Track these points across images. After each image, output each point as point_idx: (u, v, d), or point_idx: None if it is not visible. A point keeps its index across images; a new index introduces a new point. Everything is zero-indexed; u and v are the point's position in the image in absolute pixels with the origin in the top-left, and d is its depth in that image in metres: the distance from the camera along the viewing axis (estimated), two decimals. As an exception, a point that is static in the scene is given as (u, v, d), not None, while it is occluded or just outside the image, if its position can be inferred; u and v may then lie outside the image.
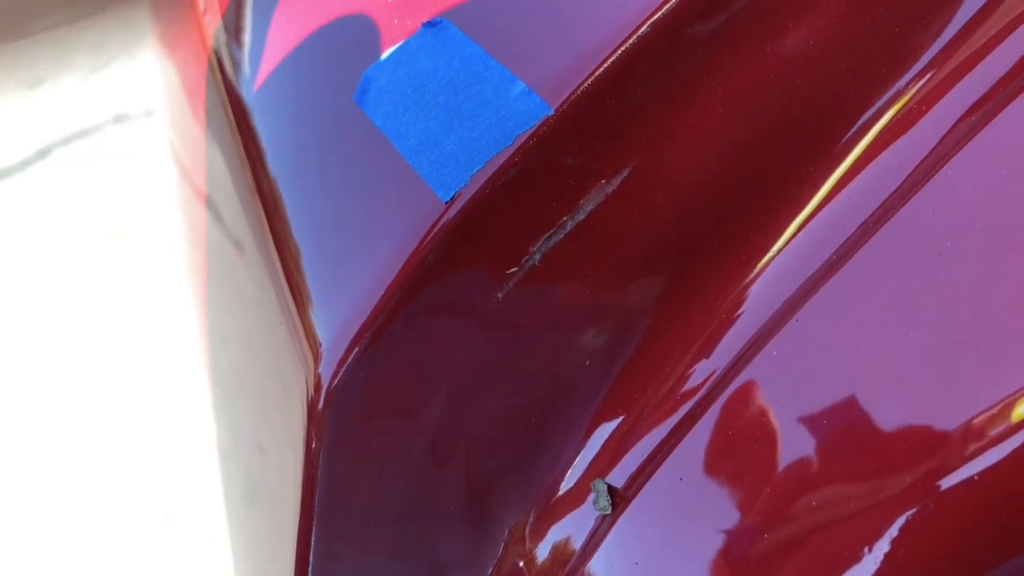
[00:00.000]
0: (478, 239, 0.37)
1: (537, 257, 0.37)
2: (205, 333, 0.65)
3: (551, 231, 0.37)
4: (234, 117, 0.49)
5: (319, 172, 0.43)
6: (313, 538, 0.40)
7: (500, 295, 0.38)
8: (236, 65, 0.51)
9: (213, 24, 0.55)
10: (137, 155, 1.92)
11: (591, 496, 0.39)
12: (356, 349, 0.37)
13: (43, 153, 1.96)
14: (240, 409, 0.60)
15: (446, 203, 0.36)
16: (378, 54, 0.41)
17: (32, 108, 2.01)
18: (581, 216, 0.37)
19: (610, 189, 0.37)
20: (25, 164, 1.95)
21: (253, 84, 0.48)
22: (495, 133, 0.36)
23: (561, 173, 0.37)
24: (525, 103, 0.36)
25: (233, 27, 0.52)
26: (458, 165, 0.36)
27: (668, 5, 0.35)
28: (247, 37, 0.51)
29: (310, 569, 0.41)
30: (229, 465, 0.66)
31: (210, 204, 0.57)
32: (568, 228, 0.37)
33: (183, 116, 0.63)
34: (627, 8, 0.36)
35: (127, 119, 1.98)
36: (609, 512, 0.39)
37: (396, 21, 0.41)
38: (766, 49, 0.37)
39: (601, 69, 0.36)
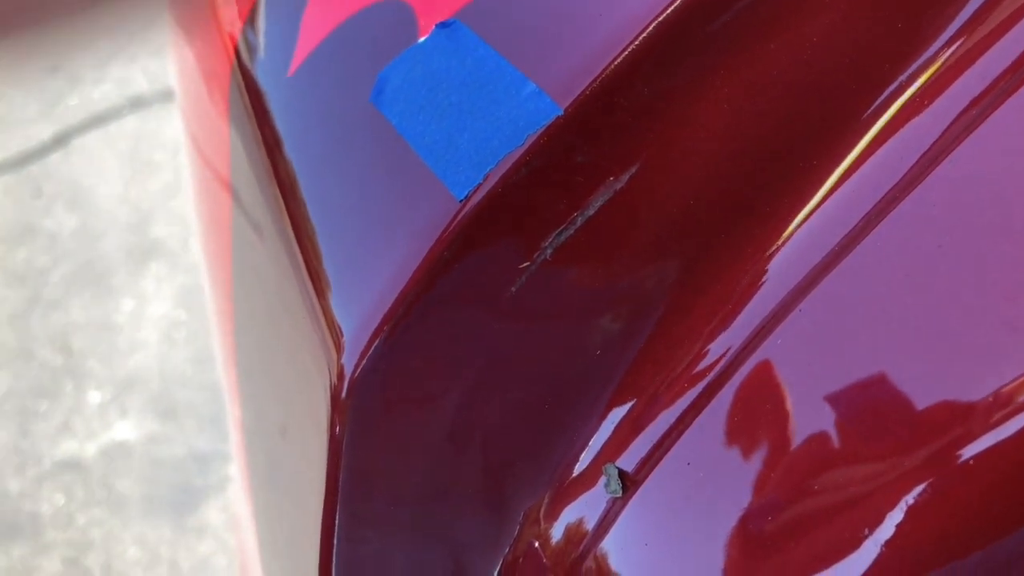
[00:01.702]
0: (492, 235, 0.38)
1: (549, 252, 0.39)
2: (229, 313, 0.66)
3: (562, 226, 0.38)
4: (261, 105, 0.50)
5: (342, 166, 0.44)
6: (337, 522, 0.42)
7: (514, 288, 0.39)
8: (263, 51, 0.51)
9: (234, 8, 0.55)
10: (155, 140, 1.93)
11: (603, 479, 0.41)
12: (377, 341, 0.39)
13: (61, 137, 1.97)
14: (261, 389, 0.61)
15: (461, 201, 0.37)
16: (415, 41, 0.42)
17: (50, 93, 2.02)
18: (591, 212, 0.38)
19: (619, 185, 0.38)
20: (43, 148, 1.96)
21: (285, 70, 0.48)
22: (507, 133, 0.37)
23: (571, 170, 0.38)
24: (536, 103, 0.37)
25: (260, 11, 0.53)
26: (472, 164, 0.37)
27: (673, 6, 0.36)
28: (277, 21, 0.51)
29: (335, 552, 0.43)
30: (252, 444, 0.67)
31: (234, 191, 0.58)
32: (578, 223, 0.38)
33: (202, 101, 0.63)
34: (633, 9, 0.37)
35: (145, 103, 1.98)
36: (620, 495, 0.40)
37: (432, 7, 0.42)
38: (771, 47, 0.38)
39: (609, 69, 0.37)
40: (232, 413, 0.73)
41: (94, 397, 1.60)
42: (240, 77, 0.51)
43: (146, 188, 1.86)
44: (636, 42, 0.36)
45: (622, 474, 0.40)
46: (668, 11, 0.36)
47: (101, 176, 1.89)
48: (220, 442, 1.51)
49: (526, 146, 0.37)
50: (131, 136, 1.94)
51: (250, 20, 0.53)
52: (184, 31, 0.69)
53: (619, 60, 0.36)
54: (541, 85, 0.37)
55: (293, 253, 0.45)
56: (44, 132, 1.97)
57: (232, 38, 0.55)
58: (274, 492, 0.62)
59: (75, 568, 1.42)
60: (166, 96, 1.96)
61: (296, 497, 0.53)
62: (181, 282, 1.72)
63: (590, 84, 0.37)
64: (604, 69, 0.36)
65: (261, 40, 0.51)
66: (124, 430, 1.55)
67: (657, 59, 0.37)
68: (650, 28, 0.36)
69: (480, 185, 0.37)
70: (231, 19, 0.55)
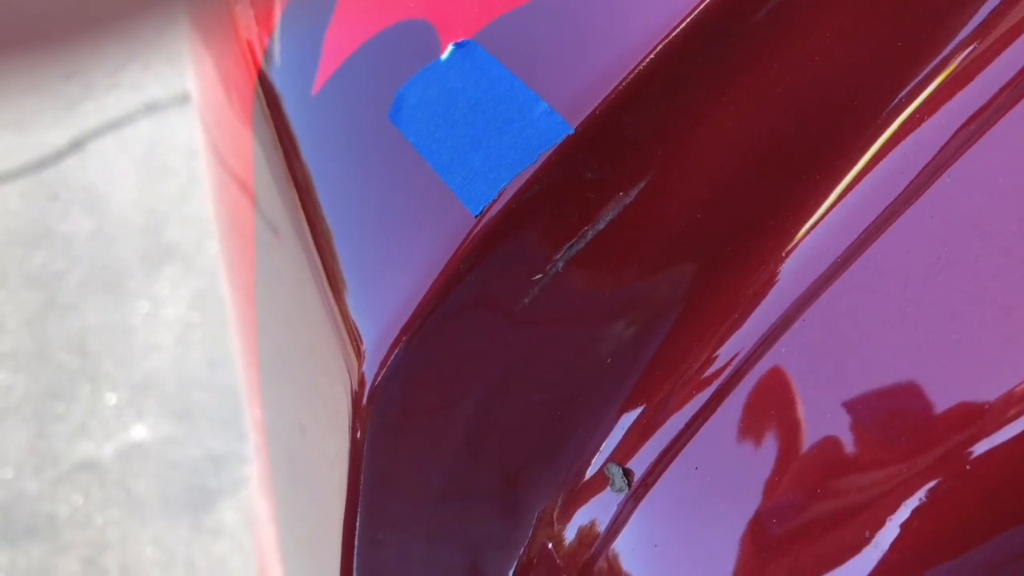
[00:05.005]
0: (506, 249, 0.39)
1: (561, 264, 0.40)
2: (252, 317, 0.66)
3: (573, 240, 0.40)
4: (283, 122, 0.50)
5: (364, 183, 0.45)
6: (358, 523, 0.44)
7: (527, 299, 0.40)
8: (286, 69, 0.52)
9: (251, 14, 0.56)
10: (169, 144, 1.94)
11: (609, 480, 0.42)
12: (397, 349, 0.40)
13: (76, 143, 1.99)
14: (282, 390, 0.63)
15: (476, 216, 0.39)
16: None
17: (65, 99, 2.04)
18: (601, 226, 0.40)
19: (628, 200, 0.40)
20: (59, 154, 1.98)
21: (309, 89, 0.49)
22: (520, 151, 0.39)
23: (582, 187, 0.39)
24: (548, 122, 0.38)
25: (282, 28, 0.53)
26: (486, 181, 0.39)
27: (679, 28, 0.38)
28: (300, 39, 0.52)
29: (355, 553, 0.44)
30: (272, 443, 0.68)
31: (256, 200, 0.59)
32: (589, 237, 0.40)
33: (223, 109, 0.64)
34: (640, 32, 0.38)
35: (159, 108, 2.00)
36: (626, 491, 0.41)
37: (454, 26, 0.43)
38: (774, 66, 0.40)
39: (618, 89, 0.38)
40: (251, 413, 0.74)
41: (110, 399, 1.62)
42: (263, 95, 0.53)
43: (160, 192, 1.88)
44: (644, 63, 0.38)
45: (625, 471, 0.42)
46: (675, 33, 0.38)
47: (116, 181, 1.91)
48: (235, 443, 1.52)
49: (539, 164, 0.38)
50: (145, 141, 1.96)
51: (272, 37, 0.54)
52: (202, 37, 0.69)
53: (628, 80, 0.38)
54: (553, 104, 0.39)
55: (314, 262, 0.47)
56: (60, 138, 1.98)
57: (250, 44, 0.56)
58: (294, 491, 0.63)
59: (93, 568, 1.44)
60: (180, 101, 1.97)
61: (316, 497, 0.54)
62: (195, 285, 1.74)
63: (600, 104, 0.38)
64: (613, 89, 0.38)
65: (284, 58, 0.52)
66: (140, 431, 1.57)
67: (664, 79, 0.38)
68: (657, 49, 0.38)
69: (495, 201, 0.39)
70: (248, 24, 0.56)
